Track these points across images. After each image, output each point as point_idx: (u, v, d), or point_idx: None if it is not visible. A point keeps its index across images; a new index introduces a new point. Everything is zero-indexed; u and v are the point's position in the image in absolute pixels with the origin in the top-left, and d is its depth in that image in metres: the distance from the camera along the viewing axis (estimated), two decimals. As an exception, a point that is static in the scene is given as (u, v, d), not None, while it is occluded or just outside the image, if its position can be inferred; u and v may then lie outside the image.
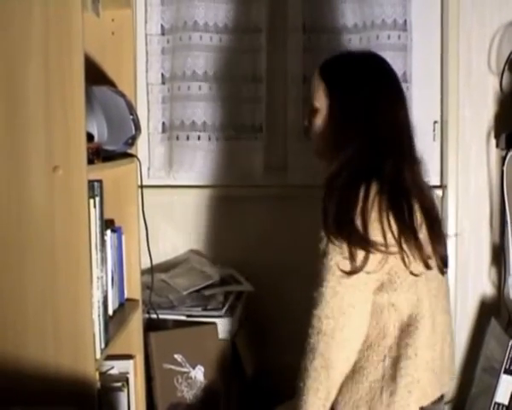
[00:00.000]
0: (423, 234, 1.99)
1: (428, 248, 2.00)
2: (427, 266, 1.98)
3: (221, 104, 3.23)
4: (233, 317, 2.78)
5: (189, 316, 2.76)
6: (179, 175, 3.28)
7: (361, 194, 1.90)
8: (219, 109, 3.24)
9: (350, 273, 1.90)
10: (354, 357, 1.97)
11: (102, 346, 2.01)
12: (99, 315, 2.00)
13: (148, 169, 3.27)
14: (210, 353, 2.69)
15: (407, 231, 1.93)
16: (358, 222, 1.89)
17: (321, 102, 2.13)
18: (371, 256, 1.90)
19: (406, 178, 2.01)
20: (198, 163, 3.26)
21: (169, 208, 3.29)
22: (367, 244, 1.90)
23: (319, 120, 2.14)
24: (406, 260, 1.93)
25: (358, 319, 1.93)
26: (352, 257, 1.90)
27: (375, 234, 1.90)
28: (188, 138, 3.25)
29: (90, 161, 1.88)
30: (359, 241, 1.90)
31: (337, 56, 2.22)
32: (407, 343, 1.93)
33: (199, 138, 3.25)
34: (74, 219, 1.82)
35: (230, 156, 3.24)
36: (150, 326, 2.69)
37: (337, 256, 1.92)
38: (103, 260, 2.08)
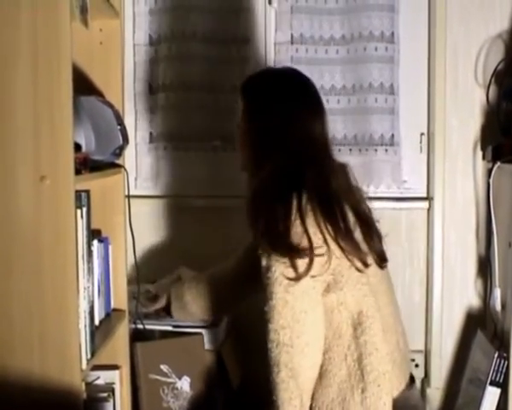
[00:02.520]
0: (357, 233, 2.05)
1: (364, 246, 2.06)
2: (365, 264, 2.03)
3: (208, 115, 3.25)
4: (219, 327, 2.78)
5: (175, 326, 2.75)
6: (166, 185, 3.29)
7: (294, 204, 1.96)
8: (206, 120, 3.25)
9: (296, 279, 1.94)
10: (318, 362, 2.01)
11: (88, 356, 2.00)
12: (85, 325, 1.99)
13: (136, 179, 3.28)
14: (196, 363, 2.67)
15: (343, 232, 1.99)
16: (296, 231, 1.94)
17: (242, 118, 2.24)
18: (315, 260, 1.94)
19: (331, 183, 2.07)
20: (185, 173, 3.27)
21: (156, 218, 3.29)
22: (309, 252, 1.93)
23: (241, 137, 2.26)
24: (350, 257, 1.98)
25: (313, 324, 1.97)
26: (295, 265, 1.94)
27: (316, 240, 1.95)
28: (175, 149, 3.27)
29: (78, 171, 1.88)
30: (300, 251, 1.94)
31: (256, 74, 2.35)
32: (365, 340, 1.97)
33: (186, 149, 3.27)
34: (61, 229, 1.82)
35: (217, 167, 3.25)
36: (136, 336, 2.67)
37: (280, 266, 1.96)
38: (90, 270, 2.07)
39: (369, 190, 3.06)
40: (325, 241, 1.96)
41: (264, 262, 1.99)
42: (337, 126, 3.17)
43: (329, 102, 3.15)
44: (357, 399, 1.95)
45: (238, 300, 2.71)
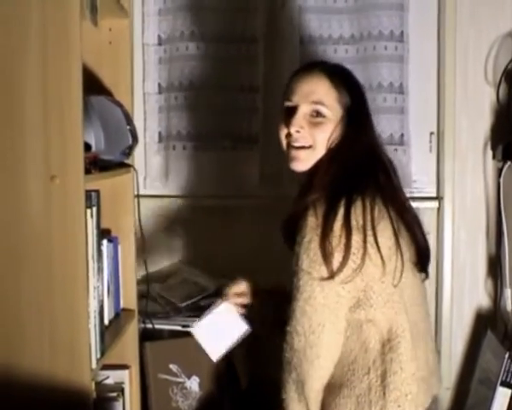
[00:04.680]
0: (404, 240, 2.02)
1: (409, 255, 2.04)
2: (400, 276, 1.96)
3: (217, 114, 3.25)
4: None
5: (184, 326, 2.75)
6: (175, 185, 3.30)
7: (367, 204, 1.92)
8: (216, 120, 3.25)
9: (329, 278, 1.90)
10: (327, 375, 1.98)
11: (98, 356, 2.01)
12: (95, 325, 2.00)
13: (145, 179, 3.28)
14: (205, 363, 2.66)
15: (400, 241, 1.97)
16: (336, 231, 1.89)
17: (333, 111, 2.07)
18: (348, 260, 1.89)
19: (398, 189, 2.06)
20: (194, 173, 3.27)
21: (165, 218, 3.29)
22: (344, 248, 1.89)
23: (329, 130, 2.07)
24: (387, 269, 1.93)
25: (328, 338, 1.94)
26: (329, 263, 1.89)
27: (354, 242, 1.90)
28: (184, 148, 3.28)
29: (88, 171, 1.88)
30: (333, 250, 1.89)
31: (337, 65, 2.21)
32: (391, 358, 1.93)
33: (195, 148, 3.27)
34: (71, 228, 1.82)
35: (226, 167, 3.26)
36: (146, 336, 2.69)
37: (306, 276, 1.92)
38: (100, 269, 2.08)
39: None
40: (364, 243, 1.90)
41: (294, 265, 1.97)
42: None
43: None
44: None
45: None
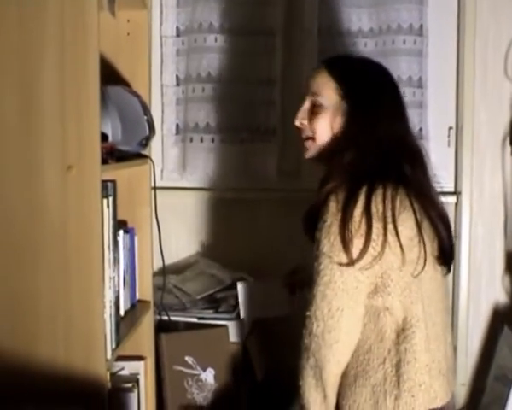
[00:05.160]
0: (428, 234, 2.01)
1: (432, 248, 2.02)
2: (422, 269, 1.96)
3: (235, 107, 3.24)
4: (244, 320, 2.79)
5: (200, 318, 2.77)
6: (192, 177, 3.30)
7: (388, 193, 1.92)
8: (233, 112, 3.24)
9: (349, 264, 1.90)
10: (345, 360, 1.99)
11: (113, 346, 2.02)
12: (111, 315, 2.00)
13: (162, 171, 3.28)
14: (221, 355, 2.69)
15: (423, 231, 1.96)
16: (356, 216, 1.90)
17: (330, 100, 2.10)
18: (369, 248, 1.89)
19: (425, 183, 2.06)
20: (211, 166, 3.27)
21: (182, 210, 3.29)
22: (365, 235, 1.89)
23: (325, 119, 2.10)
24: (421, 256, 1.94)
25: (347, 323, 1.95)
26: (348, 249, 1.90)
27: (375, 228, 1.90)
28: (201, 141, 3.27)
29: (104, 161, 1.88)
30: (353, 236, 1.89)
31: (345, 57, 2.25)
32: (405, 348, 1.94)
33: (213, 141, 3.27)
34: (87, 218, 1.83)
35: (244, 159, 3.25)
36: (161, 328, 2.70)
37: (326, 259, 1.93)
38: (116, 260, 2.08)
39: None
40: (384, 231, 1.90)
41: (315, 250, 1.97)
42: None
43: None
44: (390, 405, 1.93)
45: None
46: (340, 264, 1.91)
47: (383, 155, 2.01)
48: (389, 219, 1.90)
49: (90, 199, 1.82)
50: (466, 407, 3.15)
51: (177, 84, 3.30)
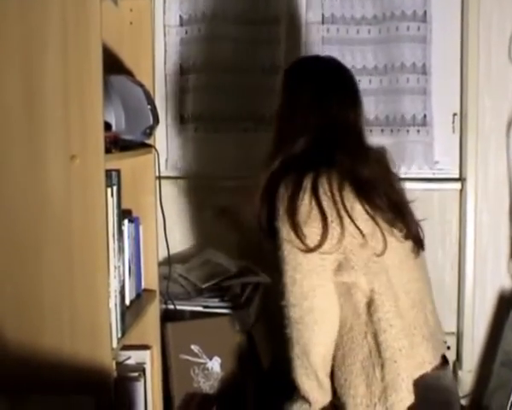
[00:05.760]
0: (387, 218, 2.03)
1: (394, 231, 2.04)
2: (406, 237, 2.04)
3: (239, 96, 3.24)
4: (250, 309, 2.78)
5: (205, 307, 2.75)
6: (197, 166, 3.29)
7: (308, 180, 1.96)
8: (238, 101, 3.24)
9: (307, 251, 1.95)
10: (330, 340, 2.03)
11: (119, 335, 2.02)
12: (116, 305, 2.00)
13: (166, 160, 3.28)
14: (227, 344, 2.69)
15: (381, 210, 2.00)
16: (305, 206, 1.94)
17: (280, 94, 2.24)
18: (329, 237, 1.94)
19: (361, 168, 2.03)
20: (216, 155, 3.26)
21: (186, 200, 3.29)
22: (322, 225, 1.93)
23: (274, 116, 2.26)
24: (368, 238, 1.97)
25: (322, 301, 1.99)
26: (302, 239, 1.94)
27: (329, 215, 1.94)
28: (206, 130, 3.26)
29: (108, 151, 1.88)
30: (307, 225, 1.94)
31: (300, 58, 2.41)
32: (378, 318, 1.98)
33: (217, 130, 3.26)
34: (91, 208, 1.82)
35: (248, 148, 3.22)
36: (167, 317, 2.69)
37: (288, 245, 1.97)
38: (121, 249, 2.08)
39: (401, 171, 3.00)
40: (340, 218, 1.94)
41: (277, 240, 2.01)
42: (369, 107, 3.12)
43: (361, 83, 3.05)
44: (378, 376, 1.97)
45: None
46: (301, 250, 1.96)
47: (325, 142, 2.07)
48: (340, 205, 1.94)
49: (94, 188, 1.82)
50: (472, 393, 3.15)
51: (181, 74, 3.29)
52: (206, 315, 2.73)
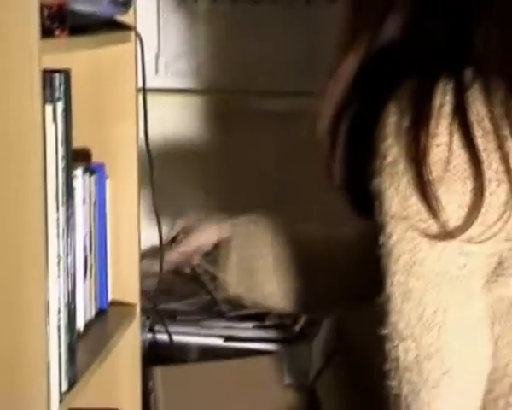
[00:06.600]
0: None
1: None
2: None
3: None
4: (312, 344, 2.76)
5: (227, 339, 2.73)
6: (208, 71, 3.41)
7: (437, 97, 1.86)
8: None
9: (444, 238, 1.84)
10: (470, 405, 1.96)
11: (63, 388, 1.98)
12: (59, 330, 1.95)
13: (157, 57, 3.34)
14: (268, 408, 2.60)
15: None
16: (440, 149, 1.83)
17: None
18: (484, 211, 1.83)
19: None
20: (253, 47, 3.39)
21: (187, 128, 3.43)
22: (476, 184, 1.81)
23: None
24: None
25: (459, 335, 1.92)
26: (436, 214, 1.83)
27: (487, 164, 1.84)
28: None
29: (47, 32, 1.84)
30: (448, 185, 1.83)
31: None
32: None
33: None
34: (15, 141, 1.77)
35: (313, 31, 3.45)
36: (156, 355, 2.69)
37: (404, 223, 1.86)
38: (68, 224, 2.02)
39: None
40: (508, 174, 1.84)
41: (376, 217, 1.91)
42: None
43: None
44: None
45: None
46: (428, 235, 1.84)
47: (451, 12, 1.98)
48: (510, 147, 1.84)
49: (22, 105, 1.76)
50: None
51: None
52: (229, 354, 2.70)
